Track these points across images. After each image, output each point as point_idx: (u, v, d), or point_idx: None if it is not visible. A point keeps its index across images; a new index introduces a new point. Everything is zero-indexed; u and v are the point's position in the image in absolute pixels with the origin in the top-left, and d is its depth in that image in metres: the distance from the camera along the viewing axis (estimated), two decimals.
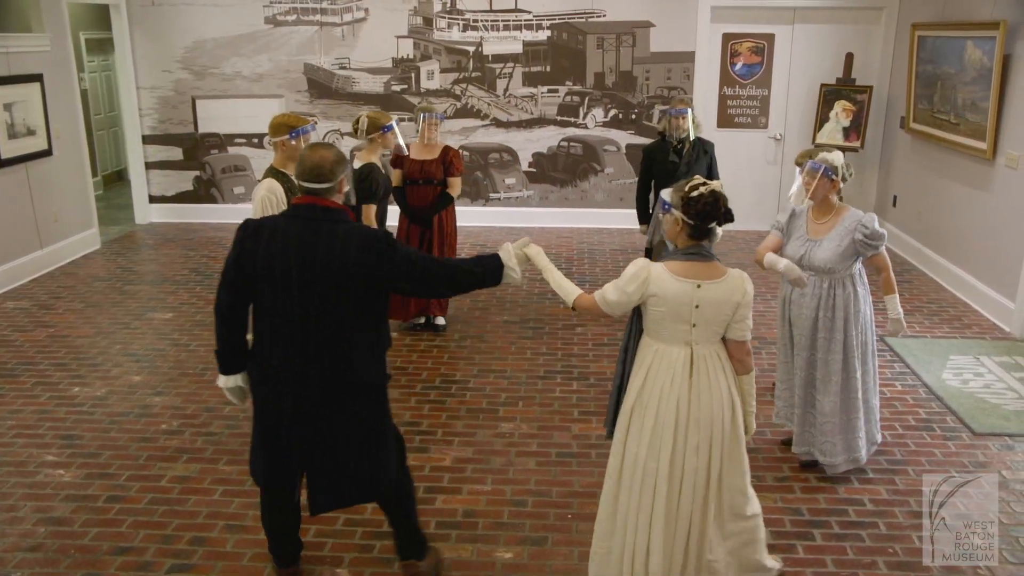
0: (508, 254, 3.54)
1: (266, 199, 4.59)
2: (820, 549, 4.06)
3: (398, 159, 6.46)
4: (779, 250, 4.54)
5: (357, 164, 5.72)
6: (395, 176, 6.50)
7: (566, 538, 4.14)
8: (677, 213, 3.31)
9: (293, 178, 4.56)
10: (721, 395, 3.37)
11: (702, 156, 6.38)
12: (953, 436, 5.14)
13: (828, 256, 4.35)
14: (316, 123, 4.84)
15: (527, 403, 5.58)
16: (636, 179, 9.41)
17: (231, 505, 4.40)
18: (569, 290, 3.57)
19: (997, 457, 4.90)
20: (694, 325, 3.31)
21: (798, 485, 4.59)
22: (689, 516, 3.41)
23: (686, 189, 3.30)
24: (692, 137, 6.32)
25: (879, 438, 4.77)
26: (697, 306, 3.28)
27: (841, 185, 4.39)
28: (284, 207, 4.49)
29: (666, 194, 3.39)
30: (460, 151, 6.54)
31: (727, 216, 3.29)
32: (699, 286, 3.27)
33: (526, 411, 5.47)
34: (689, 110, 6.31)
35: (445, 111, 9.67)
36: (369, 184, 5.60)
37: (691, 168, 6.31)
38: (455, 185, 6.44)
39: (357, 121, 5.80)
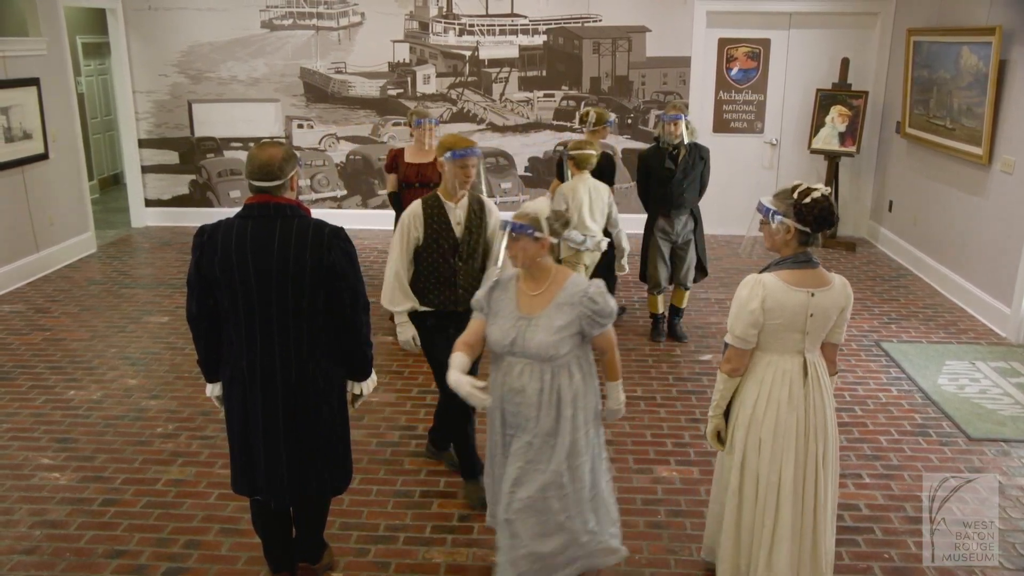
0: (368, 387, 3.62)
1: (401, 221, 4.27)
2: None
3: (392, 164, 6.46)
4: (480, 338, 3.51)
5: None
6: (390, 181, 6.51)
7: None
8: (789, 221, 3.24)
9: (446, 199, 4.30)
10: (831, 400, 3.39)
11: (698, 162, 6.38)
12: (949, 441, 5.14)
13: (546, 338, 3.31)
14: (477, 149, 4.28)
15: None
16: (632, 184, 9.45)
17: (226, 508, 4.39)
18: (718, 386, 3.46)
19: (993, 462, 4.90)
20: (807, 333, 3.29)
21: None
22: (812, 525, 3.40)
23: (795, 196, 3.23)
24: (687, 143, 6.31)
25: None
26: (812, 315, 3.25)
27: (553, 241, 3.36)
28: (418, 233, 4.23)
29: (769, 202, 3.32)
30: None
31: (836, 220, 3.28)
32: (813, 295, 3.24)
33: None
34: (683, 116, 6.30)
35: (441, 115, 9.68)
36: (611, 169, 6.56)
37: (687, 174, 6.31)
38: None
39: (586, 115, 6.52)
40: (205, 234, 3.31)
